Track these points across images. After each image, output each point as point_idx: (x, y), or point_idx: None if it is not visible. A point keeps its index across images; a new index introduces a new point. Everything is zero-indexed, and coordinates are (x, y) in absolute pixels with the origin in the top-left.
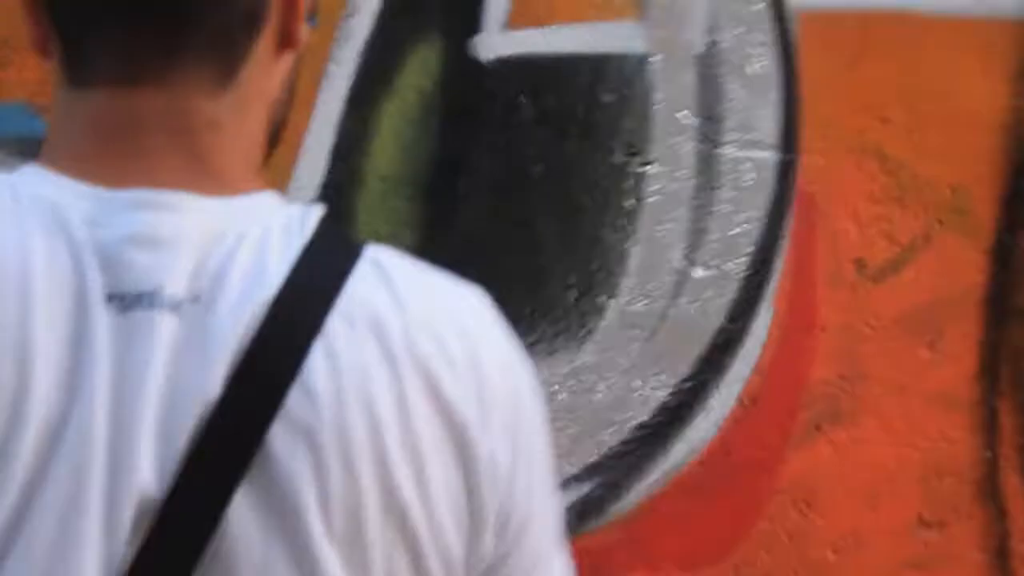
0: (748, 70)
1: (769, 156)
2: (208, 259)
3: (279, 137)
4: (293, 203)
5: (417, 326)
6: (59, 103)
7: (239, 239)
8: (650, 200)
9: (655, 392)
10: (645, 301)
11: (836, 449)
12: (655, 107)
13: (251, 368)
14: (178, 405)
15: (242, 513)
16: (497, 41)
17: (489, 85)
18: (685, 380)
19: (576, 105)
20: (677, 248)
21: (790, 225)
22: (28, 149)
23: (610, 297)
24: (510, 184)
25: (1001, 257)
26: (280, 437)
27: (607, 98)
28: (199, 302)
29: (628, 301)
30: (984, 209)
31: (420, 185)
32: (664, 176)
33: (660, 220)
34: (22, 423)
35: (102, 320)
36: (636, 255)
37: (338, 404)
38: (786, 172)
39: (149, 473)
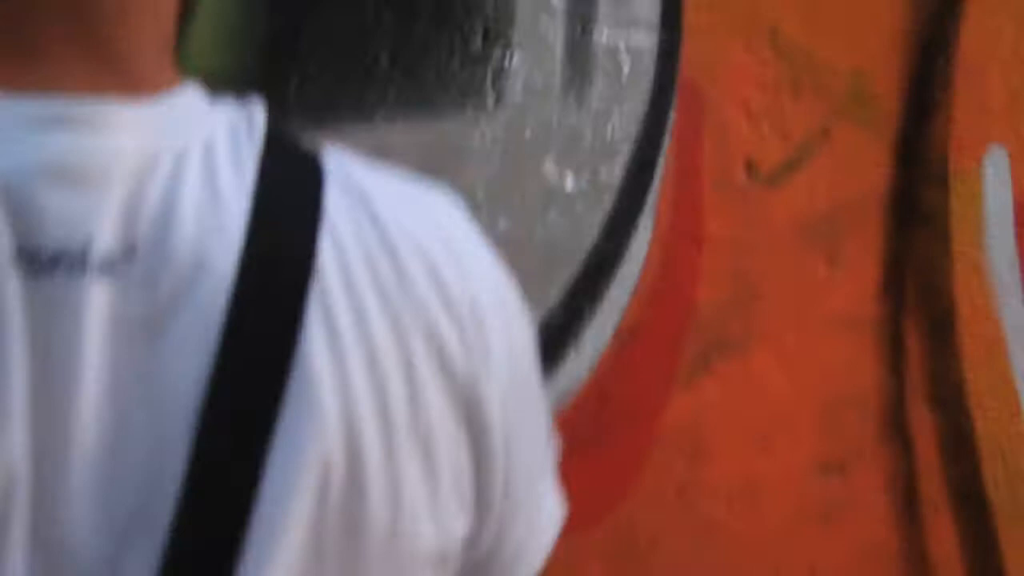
0: None
1: (648, 39)
2: (145, 194)
3: (192, 8)
4: (219, 99)
5: (407, 255)
6: None
7: (180, 161)
8: (514, 97)
9: None
10: (506, 217)
11: (726, 386)
12: None
13: (235, 336)
14: (127, 418)
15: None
16: None
17: None
18: (555, 312)
19: None
20: (544, 152)
21: (672, 121)
22: None
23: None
24: (348, 76)
25: (906, 153)
26: (281, 435)
27: None
28: (138, 257)
29: (488, 218)
30: (888, 95)
31: (244, 78)
32: (529, 66)
33: (523, 119)
34: None
35: (12, 288)
36: (495, 161)
37: (341, 382)
38: (667, 58)
39: (84, 527)
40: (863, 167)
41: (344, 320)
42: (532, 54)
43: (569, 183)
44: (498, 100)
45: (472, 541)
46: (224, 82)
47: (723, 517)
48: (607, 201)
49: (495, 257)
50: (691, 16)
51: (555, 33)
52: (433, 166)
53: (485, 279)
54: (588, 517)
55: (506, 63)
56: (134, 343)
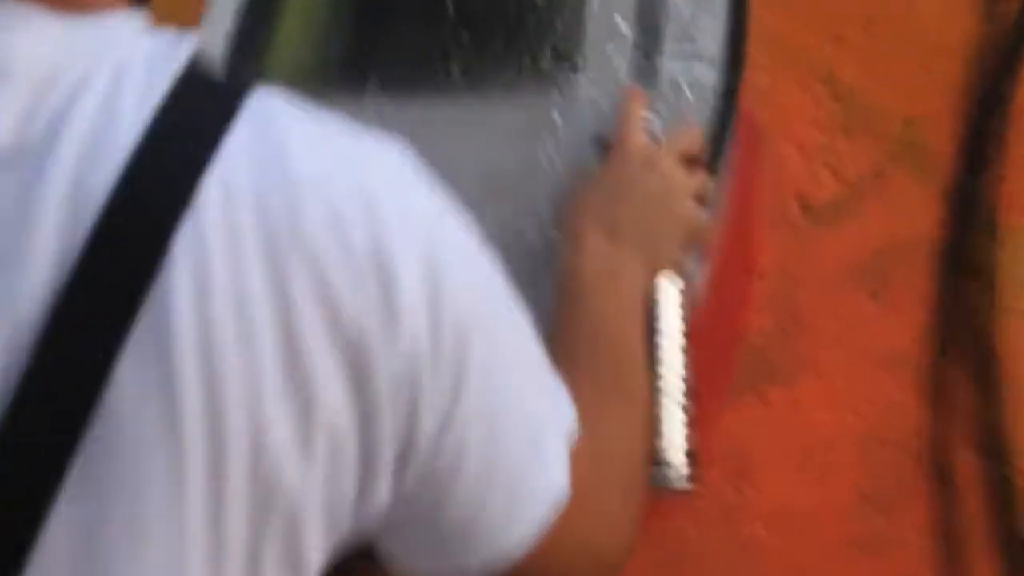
0: None
1: (710, 72)
2: (44, 98)
3: None
4: (162, 31)
5: (308, 200)
6: None
7: (87, 75)
8: (580, 114)
9: None
10: None
11: (770, 411)
12: (588, 8)
13: (93, 260)
14: None
15: (76, 485)
16: None
17: None
18: None
19: (503, 2)
20: None
21: (732, 152)
22: None
23: (529, 218)
24: (425, 86)
25: (958, 200)
26: (127, 363)
27: None
28: (26, 156)
29: (549, 231)
30: (941, 145)
31: (328, 83)
32: (595, 88)
33: (586, 138)
34: None
35: None
36: (558, 176)
37: (202, 318)
38: (728, 91)
39: None
40: (914, 213)
41: (217, 259)
42: (597, 77)
43: None
44: (563, 118)
45: (372, 499)
46: (309, 84)
47: (764, 539)
48: None
49: (443, 208)
50: (754, 53)
51: (620, 59)
52: (501, 180)
53: (410, 232)
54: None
55: (572, 83)
56: (6, 235)
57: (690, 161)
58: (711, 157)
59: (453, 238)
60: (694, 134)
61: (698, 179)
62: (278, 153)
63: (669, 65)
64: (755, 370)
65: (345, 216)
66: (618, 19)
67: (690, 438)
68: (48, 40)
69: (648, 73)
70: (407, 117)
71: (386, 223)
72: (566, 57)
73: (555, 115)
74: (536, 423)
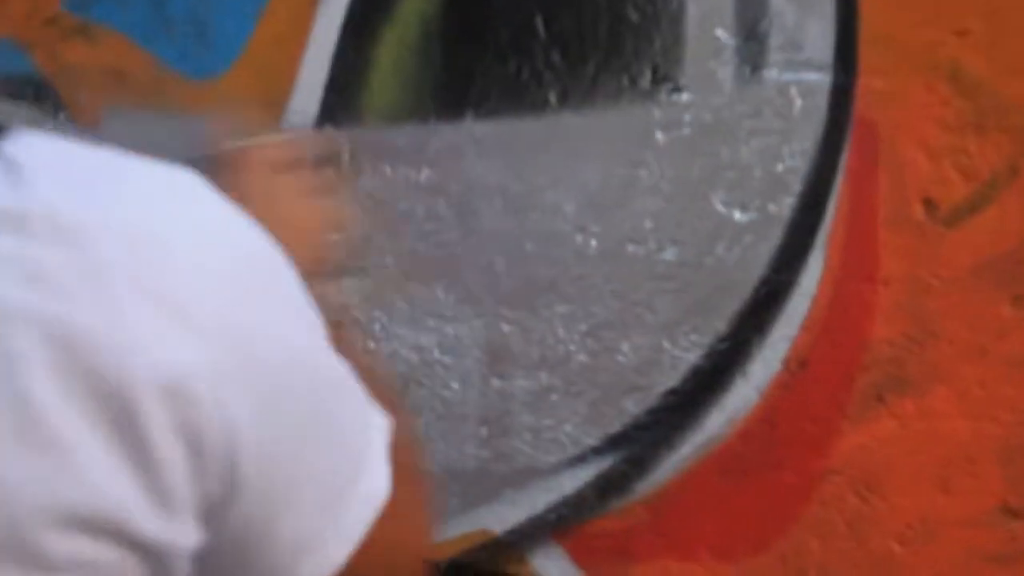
0: None
1: (821, 79)
2: None
3: None
4: None
5: (55, 251)
6: None
7: None
8: (683, 132)
9: (687, 353)
10: (676, 248)
11: (901, 422)
12: (687, 24)
13: None
14: None
15: None
16: None
17: (497, 6)
18: (722, 340)
19: (596, 24)
20: (714, 187)
21: (846, 159)
22: (13, 87)
23: (636, 243)
24: (523, 116)
25: None
26: None
27: (632, 15)
28: None
29: (656, 249)
30: None
31: (424, 120)
32: (698, 105)
33: (694, 155)
34: None
35: None
36: (666, 195)
37: None
38: (841, 97)
39: None
40: None
41: None
42: (700, 92)
43: (737, 216)
44: (666, 136)
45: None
46: (405, 122)
47: (897, 553)
48: (776, 235)
49: (247, 243)
50: (867, 56)
51: (724, 73)
52: (602, 199)
53: (190, 265)
54: (753, 543)
55: (674, 101)
56: None
57: (288, 165)
58: (823, 163)
59: (253, 272)
60: (277, 141)
61: (304, 177)
62: (21, 194)
63: (776, 75)
64: (884, 381)
65: (101, 255)
66: (719, 32)
67: None
68: None
69: (754, 84)
70: (508, 141)
71: (162, 261)
72: (666, 75)
73: (658, 134)
74: (356, 432)
